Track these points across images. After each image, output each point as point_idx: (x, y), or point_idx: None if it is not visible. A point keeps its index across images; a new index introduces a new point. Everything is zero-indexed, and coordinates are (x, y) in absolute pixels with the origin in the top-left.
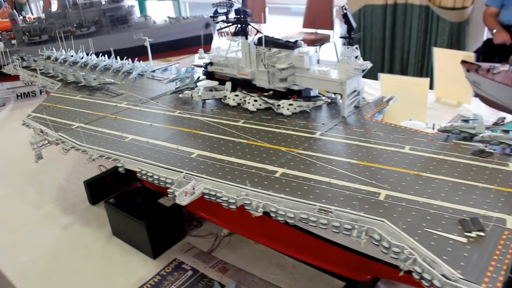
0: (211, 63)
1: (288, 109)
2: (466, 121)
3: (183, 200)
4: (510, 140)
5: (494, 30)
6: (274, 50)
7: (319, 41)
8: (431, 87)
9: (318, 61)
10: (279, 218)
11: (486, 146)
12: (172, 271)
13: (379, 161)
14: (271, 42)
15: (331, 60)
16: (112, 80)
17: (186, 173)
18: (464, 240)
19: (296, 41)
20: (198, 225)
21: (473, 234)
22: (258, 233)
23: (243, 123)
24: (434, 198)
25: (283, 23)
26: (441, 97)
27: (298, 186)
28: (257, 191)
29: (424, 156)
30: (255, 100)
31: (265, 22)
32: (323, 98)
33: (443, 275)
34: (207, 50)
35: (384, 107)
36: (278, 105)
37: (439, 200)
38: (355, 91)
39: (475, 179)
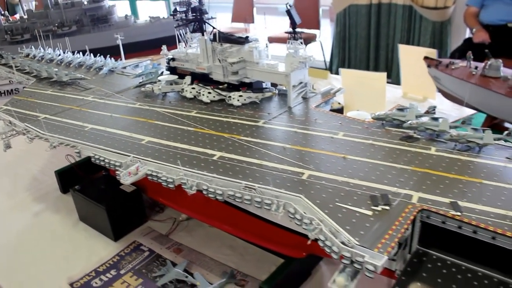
0: (173, 59)
1: (238, 100)
2: (401, 109)
3: (127, 180)
4: (436, 126)
5: (474, 30)
6: (226, 45)
7: (305, 40)
8: (398, 83)
9: (268, 55)
10: (210, 195)
11: (414, 133)
12: (130, 252)
13: (311, 145)
14: (223, 38)
15: (317, 59)
16: (83, 76)
17: (133, 156)
18: (369, 213)
19: (247, 36)
20: (160, 211)
21: (379, 208)
22: (212, 217)
23: (195, 113)
24: (352, 177)
25: (270, 23)
26: (408, 92)
27: (231, 168)
28: (193, 171)
29: (354, 141)
30: (209, 92)
31: (253, 22)
32: (273, 90)
33: (342, 242)
34: None
35: (330, 98)
36: (229, 97)
37: (357, 179)
38: (301, 83)
39: (395, 161)
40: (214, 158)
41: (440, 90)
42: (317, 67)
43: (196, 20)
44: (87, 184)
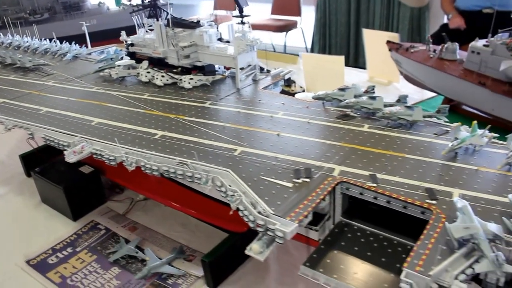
0: (132, 44)
1: (189, 83)
2: (343, 89)
3: (71, 158)
4: (370, 105)
5: (450, 15)
6: (178, 30)
7: (286, 27)
8: (364, 67)
9: (220, 39)
10: (147, 171)
11: (351, 111)
12: (88, 230)
13: (249, 124)
14: (175, 23)
15: (299, 46)
16: (46, 62)
17: (81, 137)
18: (290, 185)
19: (198, 21)
20: (119, 192)
21: (300, 180)
22: (167, 197)
23: (148, 96)
24: (281, 153)
25: (252, 10)
26: (374, 76)
27: (170, 145)
28: (133, 149)
29: (291, 120)
30: (162, 76)
31: (235, 9)
32: (223, 72)
33: (259, 212)
34: None
35: (280, 80)
36: (181, 80)
37: (286, 154)
38: (249, 65)
39: (327, 138)
40: (156, 137)
41: (402, 73)
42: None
43: (151, 5)
44: (48, 166)
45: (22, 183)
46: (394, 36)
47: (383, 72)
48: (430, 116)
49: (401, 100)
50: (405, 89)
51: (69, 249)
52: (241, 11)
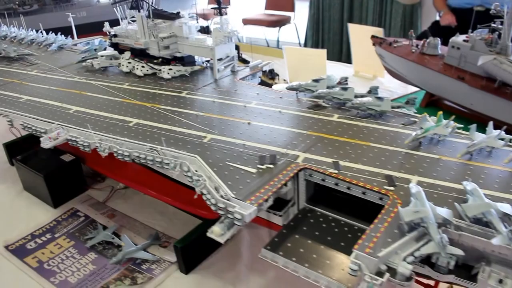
0: (115, 35)
1: (168, 73)
2: (317, 80)
3: (46, 144)
4: (341, 95)
5: (441, 13)
6: (158, 21)
7: (280, 22)
8: (350, 62)
9: (200, 30)
10: (119, 157)
11: (323, 101)
12: (67, 217)
13: (222, 113)
14: (156, 14)
15: (292, 41)
16: (30, 52)
17: (57, 124)
18: (254, 170)
19: (178, 12)
20: (101, 180)
21: (264, 166)
22: (146, 185)
23: (127, 85)
24: (250, 140)
25: (247, 5)
26: (359, 71)
27: (143, 133)
28: (107, 136)
29: (264, 109)
30: (143, 66)
31: (229, 4)
32: (201, 63)
33: (221, 196)
34: None
35: (257, 71)
36: (160, 70)
37: (254, 142)
38: (228, 56)
39: (296, 127)
40: (131, 124)
41: (386, 68)
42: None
43: None
44: (30, 155)
45: (5, 172)
46: (379, 31)
47: (368, 67)
48: (399, 107)
49: (372, 91)
50: (389, 83)
51: (48, 235)
52: (219, 2)
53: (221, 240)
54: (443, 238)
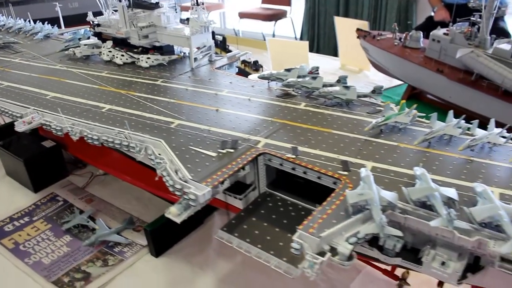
0: (98, 25)
1: (146, 62)
2: (289, 70)
3: (20, 128)
4: (309, 84)
5: (435, 8)
6: (137, 10)
7: (276, 16)
8: (336, 55)
9: (181, 20)
10: (89, 141)
11: (293, 90)
12: (46, 202)
13: (193, 100)
14: (136, 4)
15: (288, 35)
16: (16, 40)
17: (33, 108)
18: (214, 154)
19: (157, 2)
20: (82, 167)
21: (225, 151)
22: (123, 172)
23: (106, 73)
24: (215, 127)
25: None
26: (345, 64)
27: (114, 118)
28: (79, 121)
29: (234, 97)
30: (122, 55)
31: None
32: (179, 53)
33: (180, 178)
34: None
35: (235, 61)
36: (138, 59)
37: (218, 127)
38: (205, 46)
39: (262, 114)
40: (103, 110)
41: (370, 61)
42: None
43: None
44: (12, 140)
45: None
46: (364, 24)
47: (355, 60)
48: (365, 96)
49: (341, 80)
50: (375, 77)
51: (26, 218)
52: None
53: (178, 220)
54: (382, 219)
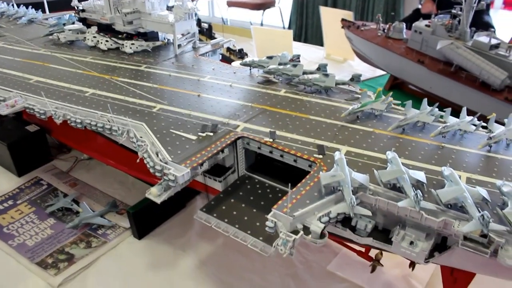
0: (83, 10)
1: (130, 48)
2: (270, 57)
3: (3, 111)
4: (290, 71)
5: (422, 1)
6: None
7: (264, 5)
8: (322, 45)
9: (168, 7)
10: (72, 124)
11: (274, 77)
12: (30, 185)
13: (175, 85)
14: None
15: (276, 24)
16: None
17: (16, 92)
18: (194, 137)
19: None
20: (66, 151)
21: (204, 134)
22: (107, 156)
23: (90, 58)
24: (196, 111)
25: None
26: (330, 54)
27: (97, 102)
28: (63, 104)
29: (216, 83)
30: (107, 41)
31: None
32: (162, 39)
33: (160, 160)
34: None
35: (218, 48)
36: (122, 45)
37: (199, 112)
38: (188, 33)
39: (242, 99)
40: (87, 94)
41: (354, 51)
42: None
43: None
44: None
45: None
46: (349, 14)
47: (340, 50)
48: (344, 84)
49: (321, 68)
50: (359, 66)
51: (10, 202)
52: None
53: (158, 200)
54: (352, 199)
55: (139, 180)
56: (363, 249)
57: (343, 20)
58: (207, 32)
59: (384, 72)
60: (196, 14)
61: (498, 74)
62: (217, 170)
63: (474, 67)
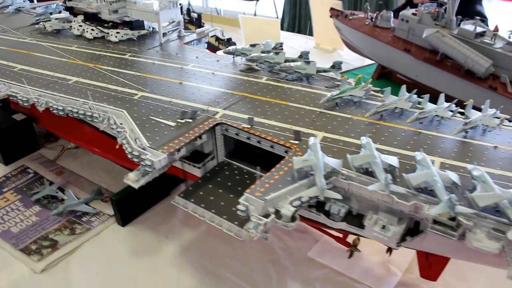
0: None
1: (116, 36)
2: (253, 45)
3: None
4: (272, 59)
5: None
6: None
7: None
8: (311, 34)
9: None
10: (55, 111)
11: (256, 65)
12: (17, 174)
13: (158, 73)
14: None
15: (269, 15)
16: None
17: (0, 80)
18: (173, 124)
19: None
20: (54, 140)
21: (183, 121)
22: (94, 145)
23: (75, 47)
24: (177, 98)
25: None
26: (320, 43)
27: (79, 89)
28: (46, 92)
29: (199, 71)
30: (92, 29)
31: None
32: (148, 28)
33: (139, 146)
34: None
35: (203, 37)
36: (108, 33)
37: (180, 99)
38: (174, 22)
39: (224, 87)
40: (70, 82)
41: (343, 40)
42: None
43: None
44: None
45: None
46: (337, 4)
47: (329, 40)
48: (325, 71)
49: (303, 56)
50: (348, 56)
51: None
52: None
53: (135, 185)
54: (323, 183)
55: (125, 169)
56: (341, 235)
57: (331, 9)
58: (196, 22)
59: (373, 62)
60: (180, 4)
61: (483, 62)
62: (196, 156)
63: (459, 55)
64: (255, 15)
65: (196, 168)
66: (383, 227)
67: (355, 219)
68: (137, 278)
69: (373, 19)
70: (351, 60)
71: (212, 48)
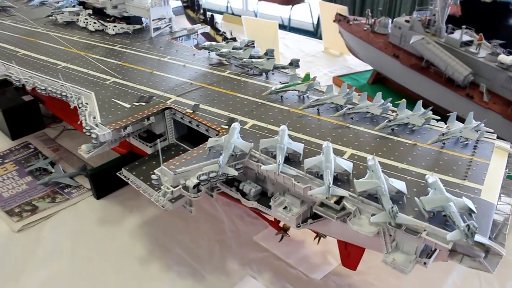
0: None
1: (113, 30)
2: (228, 42)
3: None
4: (237, 54)
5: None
6: None
7: (293, 1)
8: (321, 38)
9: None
10: (39, 91)
11: (226, 60)
12: (19, 148)
13: (136, 63)
14: None
15: (305, 20)
16: (11, 4)
17: (1, 62)
18: (128, 105)
19: None
20: (58, 122)
21: (138, 104)
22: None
23: (77, 38)
24: (142, 85)
25: None
26: (328, 47)
27: (64, 73)
28: (36, 74)
29: (173, 63)
30: (94, 23)
31: None
32: (142, 22)
33: (96, 124)
34: None
35: (193, 33)
36: (106, 26)
37: (144, 86)
38: (165, 18)
39: (187, 77)
40: (59, 67)
41: (346, 45)
42: (305, 29)
43: None
44: None
45: None
46: (343, 9)
47: (337, 44)
48: (283, 68)
49: (268, 53)
50: (353, 61)
51: None
52: None
53: (86, 156)
54: (223, 161)
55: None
56: (272, 219)
57: (337, 14)
58: (209, 21)
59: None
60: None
61: (462, 70)
62: (151, 137)
63: (441, 62)
64: (289, 19)
65: (148, 147)
66: (285, 207)
67: (269, 200)
68: (96, 243)
69: (371, 25)
70: (356, 65)
71: (210, 39)
